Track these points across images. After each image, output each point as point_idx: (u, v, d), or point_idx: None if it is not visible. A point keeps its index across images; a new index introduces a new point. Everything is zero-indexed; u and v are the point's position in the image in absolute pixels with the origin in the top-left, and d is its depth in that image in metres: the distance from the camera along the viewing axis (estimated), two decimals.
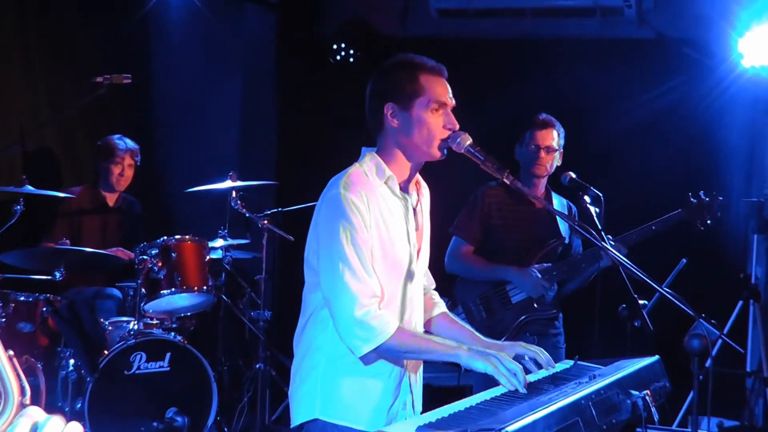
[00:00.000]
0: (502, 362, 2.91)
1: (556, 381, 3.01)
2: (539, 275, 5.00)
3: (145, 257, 5.74)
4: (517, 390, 2.85)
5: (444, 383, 6.62)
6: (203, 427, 5.68)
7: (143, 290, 5.72)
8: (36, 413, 1.52)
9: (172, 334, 5.76)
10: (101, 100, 6.23)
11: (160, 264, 5.72)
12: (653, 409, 2.80)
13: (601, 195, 4.51)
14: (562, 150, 5.12)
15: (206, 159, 7.93)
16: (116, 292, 6.30)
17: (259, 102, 8.34)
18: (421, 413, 3.23)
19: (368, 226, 3.04)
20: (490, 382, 3.01)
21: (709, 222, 5.04)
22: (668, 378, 3.21)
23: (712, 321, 3.87)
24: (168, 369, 5.63)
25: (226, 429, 6.03)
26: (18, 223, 5.70)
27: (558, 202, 5.25)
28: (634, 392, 2.82)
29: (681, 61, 7.18)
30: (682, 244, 5.75)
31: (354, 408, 3.13)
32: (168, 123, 8.19)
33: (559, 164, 5.10)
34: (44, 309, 5.55)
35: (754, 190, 6.99)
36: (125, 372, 5.51)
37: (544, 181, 5.15)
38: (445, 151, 3.18)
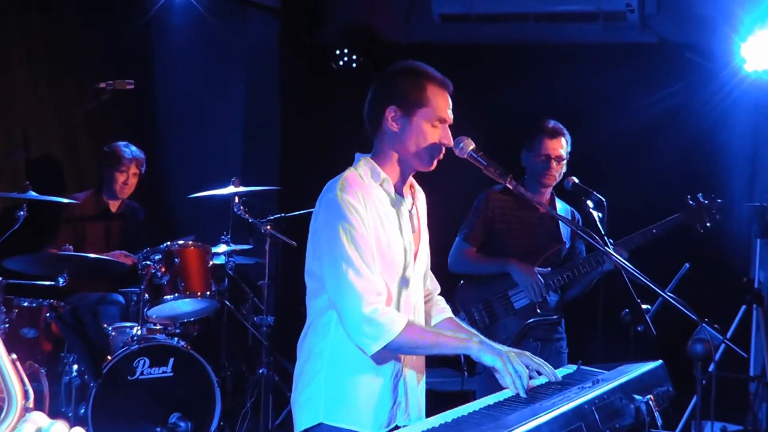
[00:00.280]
0: (512, 362, 2.91)
1: (559, 386, 3.01)
2: (539, 276, 5.00)
3: (148, 263, 5.74)
4: (519, 394, 2.85)
5: (447, 388, 6.61)
6: None
7: (146, 296, 5.72)
8: (39, 419, 1.52)
9: (176, 339, 5.76)
10: (104, 105, 6.24)
11: (163, 269, 5.72)
12: (656, 414, 2.79)
13: (603, 200, 4.51)
14: (568, 157, 5.12)
15: (209, 164, 7.93)
16: (119, 298, 6.31)
17: (262, 107, 8.35)
18: (426, 417, 3.23)
19: (367, 226, 3.05)
20: (493, 387, 3.01)
21: (708, 224, 5.03)
22: (671, 382, 3.21)
23: (715, 325, 3.86)
24: (171, 374, 5.64)
25: None
26: (21, 229, 5.71)
27: (561, 208, 5.25)
28: (637, 397, 2.82)
29: (684, 65, 7.18)
30: (685, 249, 5.75)
31: (357, 411, 3.13)
32: (171, 128, 8.20)
33: (564, 171, 5.09)
34: (48, 314, 5.56)
35: (757, 195, 6.98)
36: (128, 377, 5.51)
37: (550, 188, 5.15)
38: (435, 162, 3.20)
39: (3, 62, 6.66)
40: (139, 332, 5.69)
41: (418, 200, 3.37)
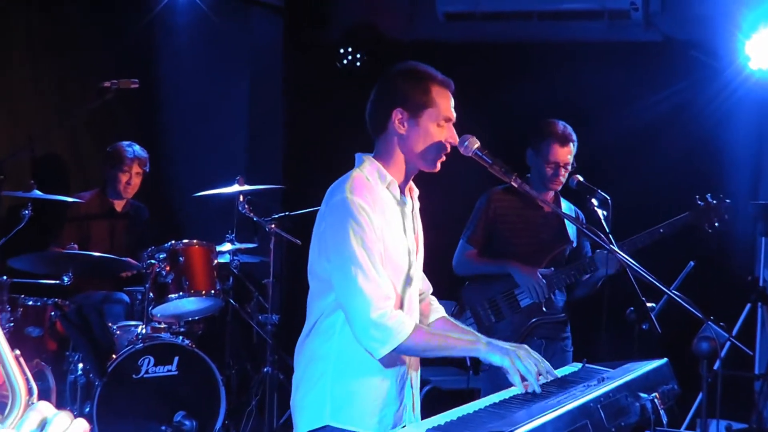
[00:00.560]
0: (521, 360, 2.92)
1: (564, 384, 3.01)
2: (540, 277, 5.00)
3: (153, 261, 5.74)
4: (525, 392, 2.86)
5: (452, 386, 6.62)
6: (211, 430, 5.68)
7: (151, 294, 5.72)
8: (46, 409, 1.53)
9: (180, 338, 5.76)
10: (108, 104, 6.23)
11: (167, 268, 5.72)
12: (662, 412, 2.80)
13: (608, 198, 4.50)
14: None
15: (213, 163, 7.93)
16: (124, 297, 6.32)
17: (266, 106, 8.35)
18: (421, 417, 3.24)
19: (375, 229, 3.04)
20: (497, 385, 3.01)
21: (716, 224, 5.01)
22: (677, 380, 3.21)
23: (721, 323, 3.86)
24: (176, 373, 5.64)
25: None
26: (26, 228, 5.71)
27: (566, 206, 5.25)
28: (642, 395, 2.82)
29: (688, 63, 7.17)
30: (690, 247, 5.75)
31: (364, 413, 3.13)
32: (175, 127, 8.21)
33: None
34: (52, 313, 5.57)
35: (762, 193, 6.98)
36: (133, 376, 5.51)
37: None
38: (439, 164, 3.21)
39: (6, 62, 6.67)
40: (143, 331, 5.69)
41: (415, 201, 3.37)
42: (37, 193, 5.69)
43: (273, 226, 6.43)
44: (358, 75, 7.87)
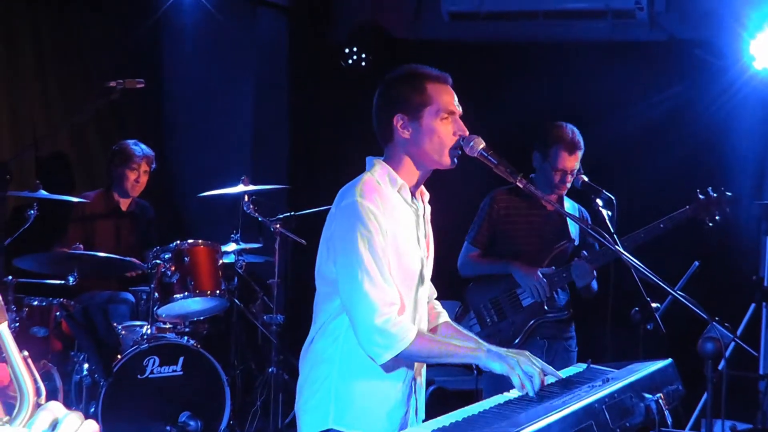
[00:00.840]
0: (520, 365, 2.92)
1: (569, 385, 3.01)
2: (541, 276, 5.00)
3: (158, 261, 5.75)
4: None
5: (457, 386, 6.63)
6: (216, 431, 5.69)
7: (156, 294, 5.73)
8: (57, 409, 1.53)
9: (185, 338, 5.77)
10: (114, 104, 6.26)
11: (173, 268, 5.73)
12: (666, 413, 2.79)
13: (613, 198, 4.50)
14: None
15: (218, 163, 7.94)
16: (129, 297, 6.33)
17: (271, 105, 8.35)
18: (426, 417, 3.24)
19: (384, 234, 3.04)
20: (499, 386, 3.01)
21: (717, 218, 4.98)
22: (681, 381, 3.21)
23: (726, 324, 3.86)
24: (181, 373, 5.65)
25: None
26: (32, 228, 5.73)
27: (570, 206, 5.25)
28: (647, 395, 2.81)
29: (692, 63, 7.17)
30: (695, 247, 5.75)
31: (369, 417, 3.13)
32: (180, 127, 8.22)
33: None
34: (58, 313, 5.58)
35: (766, 192, 6.97)
36: (138, 376, 5.52)
37: None
38: (456, 159, 3.19)
39: (13, 62, 6.68)
40: (149, 331, 5.70)
41: (425, 205, 3.37)
42: (43, 193, 5.70)
43: (278, 226, 6.43)
44: (363, 74, 7.87)
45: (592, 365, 3.39)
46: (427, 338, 3.08)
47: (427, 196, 3.37)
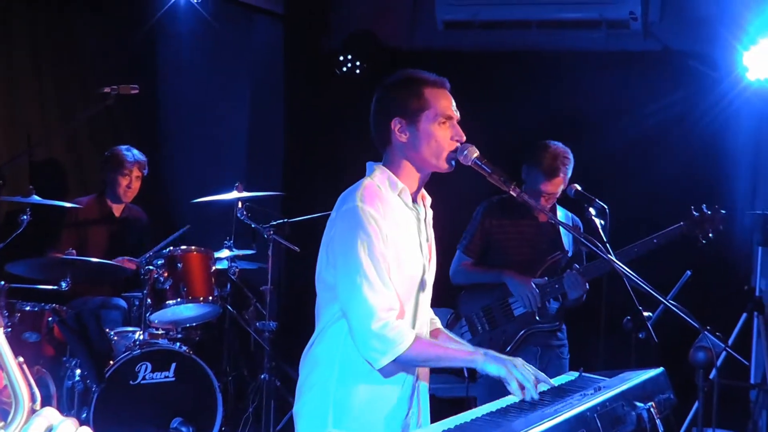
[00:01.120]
0: (518, 369, 2.92)
1: (561, 393, 3.02)
2: (534, 286, 5.01)
3: (151, 267, 5.76)
4: (523, 401, 2.86)
5: (450, 394, 6.62)
6: None
7: (149, 300, 5.73)
8: (51, 415, 1.54)
9: (178, 344, 5.77)
10: (108, 110, 6.26)
11: (165, 274, 5.74)
12: (658, 421, 2.81)
13: (606, 207, 4.50)
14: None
15: (213, 169, 7.95)
16: (122, 303, 6.33)
17: (266, 113, 8.36)
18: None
19: (385, 239, 3.04)
20: (494, 393, 3.02)
21: (711, 235, 5.00)
22: (673, 390, 3.22)
23: (717, 333, 3.87)
24: (173, 379, 5.65)
25: None
26: (25, 233, 5.72)
27: (563, 215, 5.27)
28: (639, 404, 2.83)
29: (686, 73, 7.19)
30: (687, 257, 5.76)
31: (368, 420, 3.13)
32: (175, 133, 8.22)
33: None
34: (50, 319, 5.57)
35: (759, 203, 6.99)
36: (131, 382, 5.52)
37: None
38: (453, 162, 3.20)
39: (7, 67, 6.68)
40: (141, 337, 5.70)
41: (427, 208, 3.37)
42: (36, 198, 5.69)
43: (271, 232, 6.44)
44: (357, 83, 7.89)
45: (584, 374, 3.40)
46: (425, 342, 3.08)
47: (428, 200, 3.38)
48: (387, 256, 3.04)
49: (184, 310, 5.90)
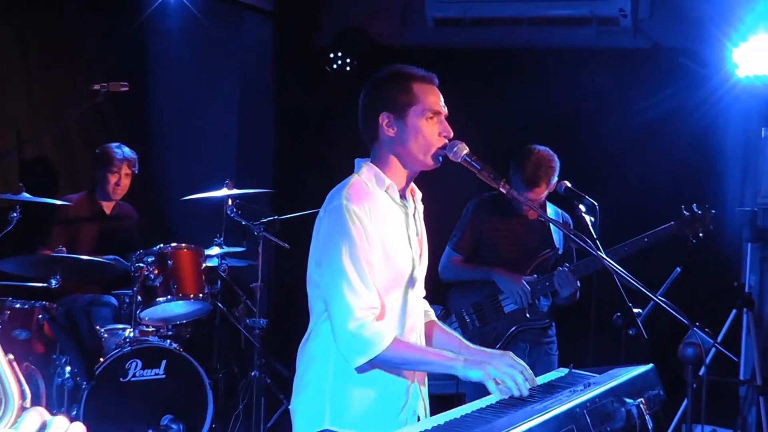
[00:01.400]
0: (497, 370, 2.92)
1: (551, 389, 3.03)
2: (525, 283, 5.02)
3: (141, 265, 5.75)
4: (512, 397, 2.87)
5: (440, 391, 6.62)
6: None
7: (139, 298, 5.73)
8: (43, 413, 1.54)
9: (168, 341, 5.77)
10: (98, 107, 6.24)
11: (156, 271, 5.73)
12: (647, 418, 2.81)
13: (596, 204, 4.51)
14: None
15: (203, 167, 7.94)
16: (112, 300, 6.32)
17: (256, 110, 8.35)
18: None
19: (370, 238, 3.04)
20: (483, 390, 3.02)
21: (701, 235, 5.02)
22: (662, 386, 3.22)
23: (706, 329, 3.87)
24: (163, 376, 5.64)
25: None
26: (14, 231, 5.70)
27: (552, 211, 5.27)
28: (628, 400, 2.83)
29: (676, 70, 7.20)
30: (676, 253, 5.77)
31: (364, 416, 3.13)
32: (165, 131, 8.21)
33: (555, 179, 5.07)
34: (40, 316, 5.55)
35: (748, 199, 7.00)
36: (121, 379, 5.52)
37: None
38: (440, 158, 3.20)
39: None
40: (131, 334, 5.69)
41: (417, 203, 3.37)
42: (26, 195, 5.67)
43: (261, 229, 6.43)
44: (347, 80, 7.88)
45: (573, 370, 3.40)
46: (404, 345, 3.07)
47: (419, 194, 3.37)
48: (372, 254, 3.04)
49: (175, 308, 5.90)
